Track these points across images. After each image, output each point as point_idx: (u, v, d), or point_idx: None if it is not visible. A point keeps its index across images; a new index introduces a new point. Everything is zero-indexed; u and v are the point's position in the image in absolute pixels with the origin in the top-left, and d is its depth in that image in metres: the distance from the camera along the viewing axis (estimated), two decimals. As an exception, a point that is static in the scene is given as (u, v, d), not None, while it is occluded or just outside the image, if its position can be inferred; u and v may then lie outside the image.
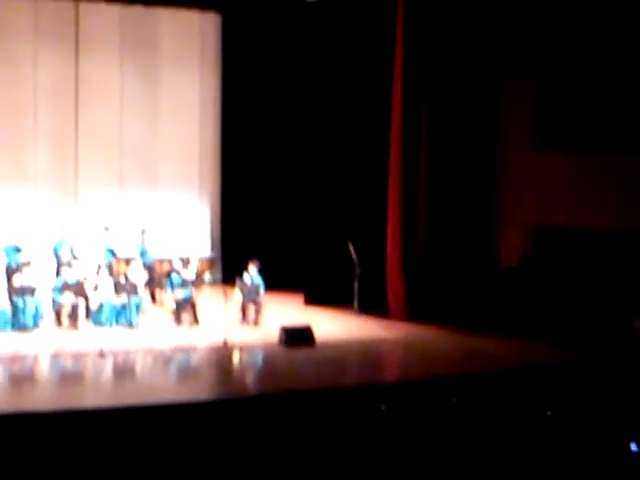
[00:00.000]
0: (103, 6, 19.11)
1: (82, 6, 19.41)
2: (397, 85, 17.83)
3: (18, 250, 17.60)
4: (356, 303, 17.99)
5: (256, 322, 16.87)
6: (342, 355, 15.47)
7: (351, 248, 18.03)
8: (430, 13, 17.63)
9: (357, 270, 17.94)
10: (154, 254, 18.63)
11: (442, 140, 17.98)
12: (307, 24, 18.75)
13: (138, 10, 19.46)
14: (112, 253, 18.24)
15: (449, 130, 17.96)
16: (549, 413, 11.59)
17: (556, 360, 14.93)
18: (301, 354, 15.18)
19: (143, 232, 18.85)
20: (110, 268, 17.46)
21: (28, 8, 19.07)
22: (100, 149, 20.07)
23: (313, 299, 18.76)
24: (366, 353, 15.87)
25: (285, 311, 17.70)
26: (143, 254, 18.46)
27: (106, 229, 18.50)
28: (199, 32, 20.82)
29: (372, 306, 17.95)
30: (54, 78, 19.68)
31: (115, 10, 19.53)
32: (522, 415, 11.83)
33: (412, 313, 17.69)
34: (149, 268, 18.10)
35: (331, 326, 16.94)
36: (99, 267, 17.22)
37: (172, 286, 16.99)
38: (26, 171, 19.65)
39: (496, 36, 17.78)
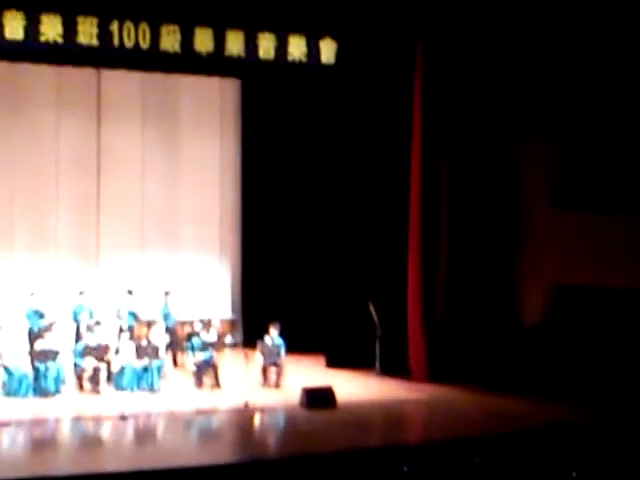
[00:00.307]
0: (124, 73, 19.38)
1: (104, 73, 19.75)
2: (416, 146, 17.97)
3: (41, 315, 17.71)
4: (378, 365, 17.93)
5: (277, 384, 16.83)
6: (364, 417, 15.38)
7: (372, 309, 18.03)
8: (448, 74, 17.81)
9: (378, 331, 17.91)
10: (176, 317, 18.70)
11: (462, 200, 18.03)
12: (325, 86, 18.93)
13: (159, 77, 19.73)
14: (134, 316, 18.31)
15: (468, 190, 18.03)
16: (574, 475, 11.48)
17: (579, 420, 14.80)
18: (323, 416, 15.10)
19: (167, 294, 18.93)
20: (132, 331, 17.50)
21: (50, 76, 19.39)
22: (122, 214, 20.29)
23: (335, 361, 18.72)
24: (388, 415, 15.78)
25: (306, 373, 17.67)
26: (166, 317, 18.53)
27: (129, 292, 18.59)
28: (219, 98, 21.12)
29: (394, 367, 17.88)
30: (76, 145, 19.97)
31: (136, 77, 19.83)
32: (547, 476, 11.72)
33: (434, 374, 17.62)
34: (171, 331, 18.16)
35: (353, 388, 16.87)
36: (121, 331, 17.28)
37: (193, 349, 17.01)
38: (48, 237, 19.87)
39: (514, 97, 17.92)
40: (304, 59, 17.76)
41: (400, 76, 18.07)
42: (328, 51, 18.01)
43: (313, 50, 17.84)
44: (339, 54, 17.99)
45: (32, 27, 15.86)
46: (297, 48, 17.69)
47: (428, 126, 17.84)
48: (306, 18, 17.48)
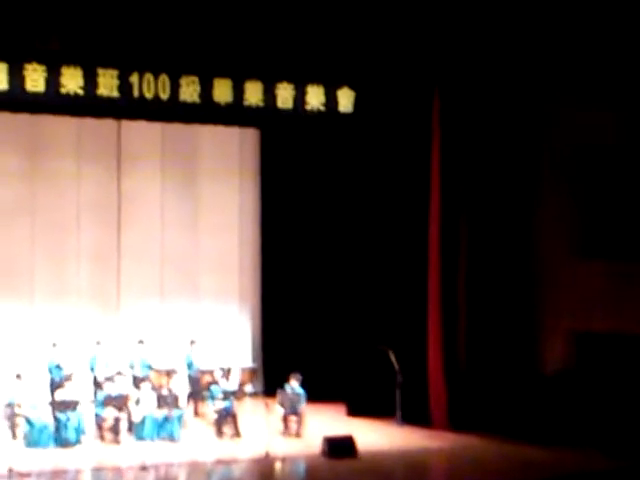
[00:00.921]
0: (144, 124, 19.56)
1: (124, 124, 19.95)
2: (435, 194, 18.01)
3: (60, 367, 17.77)
4: (398, 413, 17.86)
5: (298, 433, 16.78)
6: (385, 466, 15.30)
7: (392, 357, 17.99)
8: (466, 121, 17.89)
9: (399, 379, 17.86)
10: (199, 366, 18.70)
11: (480, 248, 18.03)
12: (343, 134, 19.05)
13: (178, 127, 19.90)
14: (149, 366, 18.31)
15: (487, 239, 18.01)
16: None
17: (602, 468, 14.68)
18: (344, 465, 15.03)
19: (192, 343, 18.95)
20: (151, 381, 17.49)
21: (71, 127, 19.61)
22: (142, 262, 20.40)
23: (355, 410, 18.65)
24: (409, 464, 15.68)
25: (327, 422, 17.61)
26: (190, 366, 18.54)
27: (140, 342, 18.62)
28: (238, 147, 21.28)
29: (415, 416, 17.80)
30: (97, 194, 20.16)
31: (156, 127, 20.02)
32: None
33: (455, 422, 17.52)
34: (193, 380, 18.16)
35: (374, 437, 16.80)
36: (141, 380, 17.28)
37: (213, 398, 17.00)
38: (69, 286, 19.98)
39: (533, 146, 17.97)
40: (322, 108, 17.88)
41: (418, 124, 18.16)
42: (346, 100, 18.12)
43: (331, 99, 17.97)
44: (357, 103, 18.11)
45: (53, 79, 16.06)
46: (315, 97, 17.82)
47: (447, 174, 17.90)
48: (324, 68, 17.63)
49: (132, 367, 18.15)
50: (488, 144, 17.92)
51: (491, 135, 17.91)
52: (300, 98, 17.66)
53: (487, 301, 17.94)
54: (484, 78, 17.70)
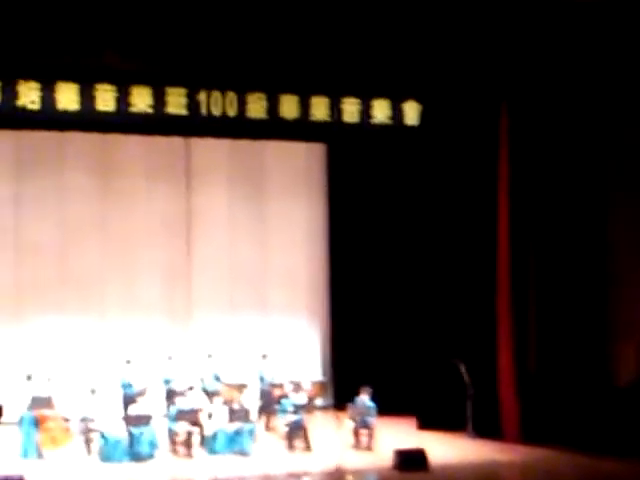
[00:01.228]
0: (212, 141, 19.82)
1: (192, 141, 20.21)
2: (502, 206, 17.89)
3: (132, 384, 18.00)
4: (470, 426, 17.76)
5: (369, 447, 16.74)
6: (457, 479, 15.23)
7: (463, 370, 17.90)
8: (535, 132, 17.71)
9: (470, 392, 17.77)
10: (270, 379, 18.81)
11: (550, 259, 17.84)
12: (409, 147, 19.05)
13: (246, 144, 20.13)
14: (218, 380, 18.45)
15: (557, 249, 17.84)
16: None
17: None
18: (415, 479, 14.98)
19: (264, 357, 19.06)
20: (223, 395, 17.62)
21: (141, 145, 19.93)
22: (212, 278, 20.65)
23: (426, 423, 18.57)
24: (481, 477, 15.51)
25: (398, 435, 17.54)
26: (262, 379, 18.66)
27: (209, 356, 18.75)
28: (305, 162, 21.42)
29: (486, 428, 17.68)
30: (166, 211, 20.45)
31: (224, 144, 20.26)
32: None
33: (527, 434, 17.36)
34: (264, 394, 18.27)
35: (445, 450, 16.68)
36: (212, 394, 17.41)
37: (284, 411, 17.06)
38: (140, 301, 20.25)
39: (602, 159, 17.71)
40: (388, 121, 17.91)
41: (485, 136, 18.07)
42: (412, 113, 18.15)
43: (397, 112, 18.00)
44: (423, 115, 18.10)
45: (123, 99, 16.37)
46: (381, 111, 17.88)
47: (515, 186, 17.77)
48: (390, 82, 17.66)
49: (203, 381, 18.31)
50: (556, 154, 17.73)
51: (559, 145, 17.72)
52: (366, 112, 17.72)
53: (558, 312, 17.74)
54: (552, 91, 17.52)
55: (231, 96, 16.89)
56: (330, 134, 18.54)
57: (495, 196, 17.99)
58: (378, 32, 17.08)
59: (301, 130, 17.91)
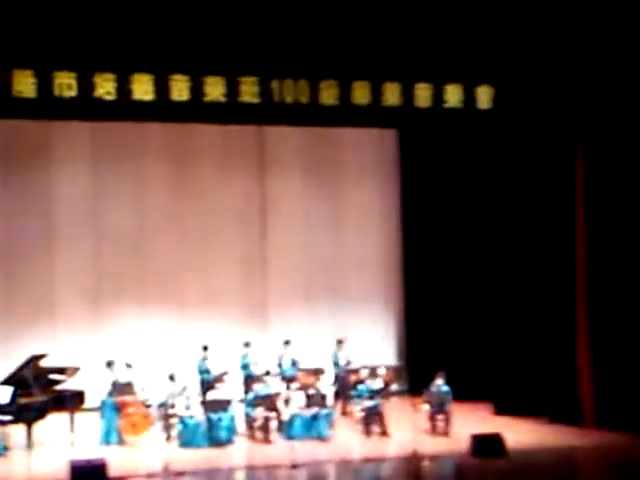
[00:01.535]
0: (285, 129, 19.93)
1: (266, 130, 20.35)
2: (579, 190, 17.67)
3: (209, 369, 18.20)
4: (548, 411, 17.65)
5: (445, 432, 16.74)
6: (535, 465, 15.12)
7: (540, 355, 17.78)
8: (612, 118, 17.48)
9: (548, 377, 17.64)
10: (345, 365, 18.88)
11: (628, 246, 17.55)
12: (482, 130, 18.95)
13: (319, 131, 20.21)
14: (296, 365, 18.58)
15: (636, 238, 17.55)
16: None
17: None
18: (492, 464, 14.93)
19: (339, 343, 19.15)
20: (299, 381, 17.75)
21: (215, 134, 20.11)
22: (287, 265, 20.81)
23: (503, 408, 18.48)
24: (559, 462, 15.46)
25: (474, 421, 17.49)
26: (336, 365, 18.76)
27: (287, 342, 18.87)
28: (378, 148, 21.45)
29: (564, 414, 17.56)
30: (241, 199, 20.65)
31: (297, 132, 20.36)
32: None
33: (604, 420, 17.19)
34: (340, 379, 18.36)
35: (522, 435, 16.58)
36: (289, 380, 17.56)
37: (360, 397, 17.14)
38: (217, 289, 20.47)
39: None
40: (460, 105, 17.83)
41: (561, 116, 17.85)
42: (485, 97, 18.01)
43: (470, 97, 17.89)
44: (496, 99, 17.98)
45: (197, 88, 16.54)
46: (453, 96, 17.79)
47: (591, 168, 17.54)
48: (462, 67, 17.58)
49: (280, 367, 18.47)
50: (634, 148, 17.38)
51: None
52: (438, 97, 17.66)
53: (636, 297, 17.50)
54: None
55: (303, 83, 16.96)
56: (402, 119, 18.51)
57: (572, 175, 17.73)
58: (451, 17, 17.03)
59: (373, 116, 17.91)
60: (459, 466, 15.24)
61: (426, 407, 16.83)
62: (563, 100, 17.71)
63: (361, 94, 17.31)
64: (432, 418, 16.83)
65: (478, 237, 20.15)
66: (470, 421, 17.33)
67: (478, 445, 15.35)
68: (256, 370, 18.13)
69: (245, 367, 18.42)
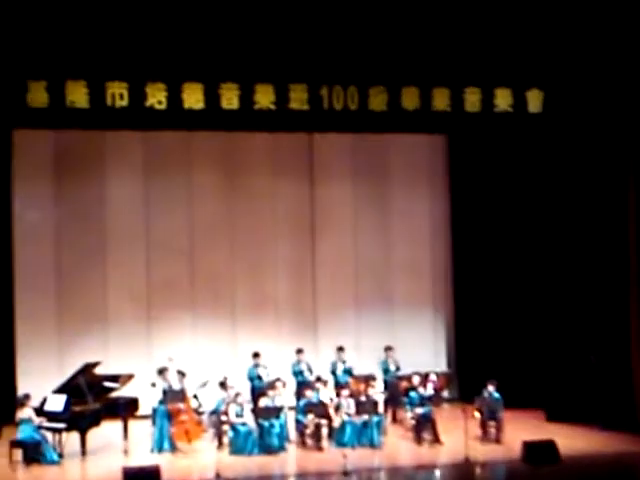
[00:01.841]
0: (335, 135, 19.95)
1: (315, 137, 20.40)
2: (632, 191, 17.50)
3: (261, 376, 18.25)
4: (601, 418, 17.48)
5: (497, 439, 16.67)
6: (589, 472, 14.99)
7: (594, 362, 17.62)
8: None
9: (601, 384, 17.47)
10: (395, 372, 18.85)
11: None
12: (532, 134, 18.83)
13: (368, 137, 20.22)
14: (349, 372, 18.58)
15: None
16: None
17: None
18: (545, 471, 14.83)
19: (388, 349, 19.11)
20: (350, 387, 17.74)
21: (265, 142, 20.19)
22: (336, 271, 20.82)
23: (555, 415, 18.35)
24: (613, 470, 15.30)
25: (526, 428, 17.37)
26: (386, 372, 18.73)
27: (340, 349, 18.85)
28: (427, 154, 21.39)
29: (618, 420, 17.38)
30: (291, 206, 20.70)
31: (346, 138, 20.38)
32: None
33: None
34: (390, 386, 18.33)
35: (575, 442, 16.44)
36: (341, 387, 17.56)
37: (411, 404, 17.09)
38: (267, 295, 20.54)
39: None
40: (510, 110, 17.75)
41: (613, 119, 17.70)
42: (535, 101, 17.91)
43: (520, 101, 17.79)
44: (546, 103, 17.87)
45: (247, 97, 16.63)
46: (503, 100, 17.72)
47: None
48: (512, 71, 17.50)
49: (334, 374, 18.47)
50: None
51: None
52: (488, 101, 17.59)
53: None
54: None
55: (352, 90, 16.99)
56: (451, 124, 18.46)
57: (625, 178, 17.54)
58: (501, 20, 16.97)
59: (422, 122, 17.88)
60: (511, 473, 15.15)
61: (478, 414, 16.74)
62: (615, 101, 17.56)
63: (410, 99, 17.30)
64: (484, 425, 16.76)
65: (528, 243, 20.01)
66: (522, 428, 17.24)
67: (530, 452, 15.25)
68: (307, 377, 18.16)
69: (297, 374, 18.43)
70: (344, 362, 18.63)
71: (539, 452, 15.24)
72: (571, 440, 16.46)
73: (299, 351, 18.75)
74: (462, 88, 17.41)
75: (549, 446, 15.35)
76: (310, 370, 18.42)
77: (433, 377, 17.94)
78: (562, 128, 18.25)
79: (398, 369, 18.87)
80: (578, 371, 18.01)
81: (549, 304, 18.96)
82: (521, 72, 17.57)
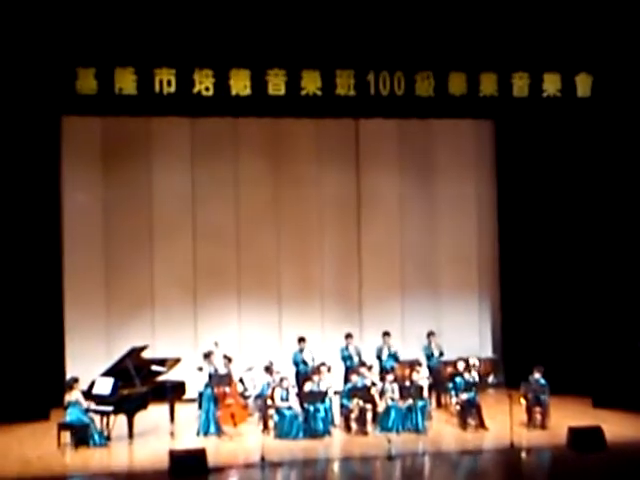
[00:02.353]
0: (381, 121, 19.93)
1: (361, 122, 20.41)
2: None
3: (306, 361, 18.32)
4: (647, 405, 17.42)
5: (543, 425, 16.61)
6: (635, 458, 14.84)
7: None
8: None
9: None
10: (439, 357, 18.85)
11: None
12: (581, 119, 18.69)
13: (414, 123, 20.18)
14: (395, 357, 18.60)
15: None
16: None
17: None
18: (592, 458, 14.76)
19: (430, 335, 19.09)
20: (395, 372, 17.77)
21: (311, 128, 20.24)
22: (382, 258, 20.82)
23: (602, 402, 18.24)
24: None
25: (572, 414, 17.30)
26: (429, 357, 18.74)
27: (387, 334, 18.85)
28: (474, 139, 21.30)
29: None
30: (337, 193, 20.72)
31: (392, 124, 20.37)
32: None
33: None
34: (434, 371, 18.34)
35: (622, 429, 16.33)
36: (385, 372, 17.59)
37: (456, 389, 17.10)
38: (313, 283, 20.61)
39: None
40: (558, 94, 17.64)
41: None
42: (584, 85, 17.80)
43: (568, 85, 17.67)
44: (595, 87, 17.72)
45: (293, 83, 16.68)
46: (552, 85, 17.63)
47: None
48: (561, 56, 17.38)
49: (379, 358, 18.50)
50: None
51: None
52: (536, 86, 17.49)
53: None
54: None
55: (399, 75, 16.98)
56: (498, 110, 18.37)
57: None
58: (549, 5, 16.85)
59: (469, 107, 17.82)
60: (557, 459, 15.09)
61: (523, 400, 16.69)
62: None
63: (457, 85, 17.27)
64: (529, 411, 16.71)
65: (575, 229, 19.86)
66: (568, 414, 17.18)
67: (576, 438, 15.19)
68: (352, 362, 18.22)
69: (346, 359, 18.48)
70: (390, 347, 18.65)
71: (585, 438, 15.19)
72: (617, 427, 16.37)
73: (348, 336, 18.78)
74: (510, 73, 17.34)
75: (595, 432, 15.30)
76: (359, 355, 18.47)
77: (478, 363, 17.89)
78: (611, 113, 18.09)
79: (442, 354, 18.86)
80: (625, 357, 17.90)
81: (596, 290, 18.85)
82: (570, 56, 17.46)
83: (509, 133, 20.94)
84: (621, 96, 17.80)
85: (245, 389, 17.85)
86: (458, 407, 16.95)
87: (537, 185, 20.49)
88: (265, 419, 16.57)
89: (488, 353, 20.96)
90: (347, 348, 18.62)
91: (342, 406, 16.84)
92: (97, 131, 19.63)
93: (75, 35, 15.99)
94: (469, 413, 16.74)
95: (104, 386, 16.18)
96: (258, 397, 17.20)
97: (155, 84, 16.33)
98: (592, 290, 18.99)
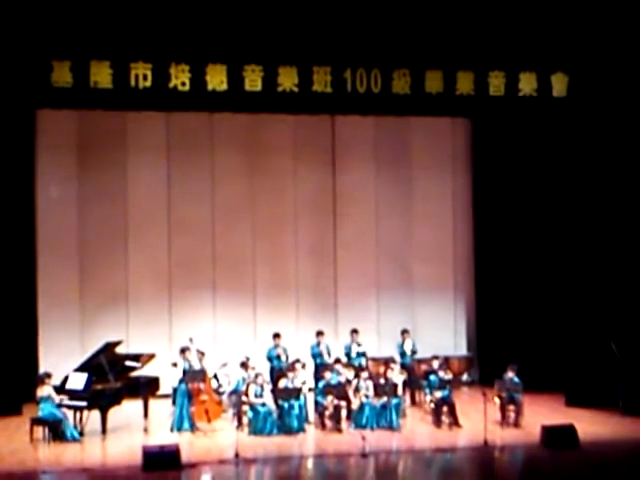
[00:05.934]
0: (357, 118, 19.94)
1: (338, 119, 20.40)
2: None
3: (280, 358, 18.29)
4: (621, 404, 17.46)
5: (516, 423, 16.67)
6: (608, 457, 14.96)
7: (614, 348, 17.59)
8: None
9: (621, 370, 17.44)
10: (413, 355, 18.87)
11: None
12: (556, 120, 18.75)
13: (391, 120, 20.20)
14: (362, 355, 18.57)
15: None
16: None
17: None
18: (564, 456, 14.84)
19: (404, 333, 19.10)
20: (369, 370, 17.77)
21: (288, 124, 20.23)
22: (357, 254, 20.84)
23: (575, 400, 18.33)
24: (633, 455, 15.27)
25: (545, 412, 17.41)
26: (403, 355, 18.76)
27: (354, 332, 18.85)
28: (450, 137, 21.34)
29: (637, 406, 17.36)
30: (313, 188, 20.72)
31: (369, 121, 20.38)
32: None
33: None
34: (408, 369, 18.36)
35: (595, 427, 16.44)
36: (360, 369, 17.59)
37: (430, 387, 17.13)
38: (287, 278, 20.59)
39: None
40: (534, 94, 17.68)
41: (636, 102, 17.61)
42: (560, 85, 17.84)
43: (544, 85, 17.72)
44: (571, 87, 17.79)
45: (270, 79, 16.64)
46: (528, 84, 17.65)
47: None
48: (537, 55, 17.43)
49: (348, 356, 18.49)
50: None
51: None
52: (512, 85, 17.53)
53: None
54: None
55: (376, 73, 16.97)
56: (475, 108, 18.39)
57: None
58: (524, 4, 16.89)
59: (446, 105, 17.84)
60: (530, 457, 15.15)
61: (497, 398, 16.74)
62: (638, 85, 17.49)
63: (434, 83, 17.27)
64: (503, 409, 16.76)
65: (550, 227, 19.94)
66: (541, 412, 17.27)
67: (549, 436, 15.27)
68: (326, 359, 18.20)
69: (316, 356, 18.48)
70: (359, 345, 18.65)
71: (558, 436, 15.26)
72: (590, 425, 16.47)
73: (319, 333, 18.78)
74: (486, 72, 17.36)
75: (568, 430, 15.37)
76: (329, 353, 18.45)
77: (452, 360, 17.92)
78: (586, 112, 18.15)
79: (415, 352, 18.88)
80: (598, 355, 17.98)
81: (570, 288, 18.91)
82: (546, 56, 17.50)
83: (485, 131, 21.01)
84: (597, 96, 17.86)
85: (219, 385, 17.82)
86: (432, 405, 16.98)
87: (513, 184, 20.56)
88: (239, 415, 16.52)
89: (463, 351, 21.02)
90: (318, 345, 18.60)
91: (316, 403, 16.84)
92: (72, 125, 19.54)
93: (51, 27, 15.87)
94: (443, 411, 16.77)
95: (78, 381, 16.11)
96: (232, 393, 17.16)
97: (131, 78, 16.23)
98: (566, 289, 19.05)
